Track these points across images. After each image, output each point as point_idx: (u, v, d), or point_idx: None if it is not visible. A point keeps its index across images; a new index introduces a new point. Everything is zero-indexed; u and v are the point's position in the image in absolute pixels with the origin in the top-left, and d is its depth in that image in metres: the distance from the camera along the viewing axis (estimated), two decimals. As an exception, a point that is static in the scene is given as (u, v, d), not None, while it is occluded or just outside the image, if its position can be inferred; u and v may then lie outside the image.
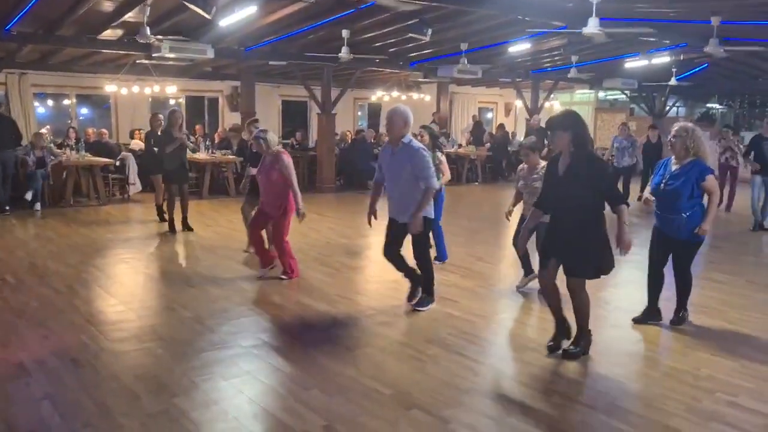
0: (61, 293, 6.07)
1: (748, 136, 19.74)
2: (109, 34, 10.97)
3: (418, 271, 5.79)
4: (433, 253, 6.84)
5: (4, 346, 4.69)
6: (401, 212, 5.51)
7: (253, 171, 7.36)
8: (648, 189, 5.53)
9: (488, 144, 17.57)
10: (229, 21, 9.19)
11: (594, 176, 4.36)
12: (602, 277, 4.59)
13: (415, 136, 6.08)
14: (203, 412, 3.73)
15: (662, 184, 5.24)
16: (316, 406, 3.83)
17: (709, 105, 22.73)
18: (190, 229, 9.18)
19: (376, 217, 5.83)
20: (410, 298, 5.83)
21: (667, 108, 20.07)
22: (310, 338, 5.03)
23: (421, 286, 5.81)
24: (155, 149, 9.39)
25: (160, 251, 8.12)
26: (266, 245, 6.92)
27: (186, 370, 4.33)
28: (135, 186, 12.52)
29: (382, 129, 18.47)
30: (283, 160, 6.47)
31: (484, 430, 3.60)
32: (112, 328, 5.16)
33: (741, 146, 11.93)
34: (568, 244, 4.45)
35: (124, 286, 6.58)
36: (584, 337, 4.68)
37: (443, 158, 7.32)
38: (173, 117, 9.09)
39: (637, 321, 5.53)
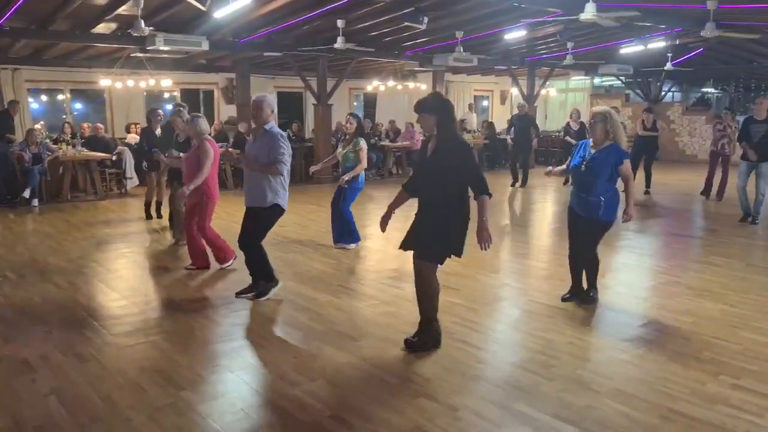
0: (63, 289, 6.06)
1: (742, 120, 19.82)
2: (102, 27, 10.91)
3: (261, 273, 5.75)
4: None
5: (8, 342, 4.69)
6: (253, 198, 5.54)
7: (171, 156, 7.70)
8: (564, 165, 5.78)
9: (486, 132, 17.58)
10: (223, 12, 9.12)
11: (457, 160, 4.26)
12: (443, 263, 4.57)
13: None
14: (210, 404, 3.74)
15: (582, 166, 5.38)
16: (323, 396, 3.84)
17: (704, 89, 22.72)
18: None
19: None
20: (241, 292, 5.81)
21: (663, 93, 20.07)
22: (314, 328, 5.03)
23: (254, 273, 5.75)
24: (153, 148, 9.21)
25: (160, 245, 8.11)
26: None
27: (192, 362, 4.33)
28: (132, 180, 12.51)
29: (378, 119, 18.48)
30: (205, 145, 6.51)
31: (491, 416, 3.61)
32: (116, 322, 5.15)
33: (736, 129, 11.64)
34: (420, 224, 4.41)
35: (126, 280, 6.57)
36: (427, 328, 4.58)
37: (364, 146, 7.58)
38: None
39: (564, 299, 5.70)
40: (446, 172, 4.25)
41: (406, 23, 10.14)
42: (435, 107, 4.33)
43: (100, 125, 13.23)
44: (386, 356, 4.47)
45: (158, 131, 9.43)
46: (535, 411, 3.67)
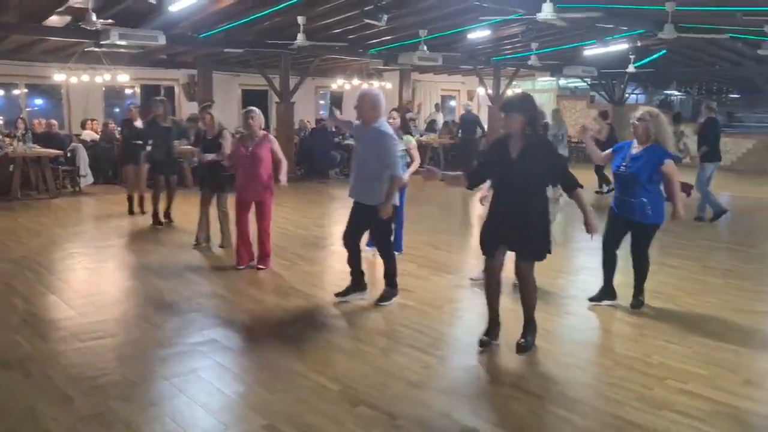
0: (-2, 291, 5.80)
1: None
2: (55, 20, 10.56)
3: (365, 272, 5.68)
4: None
5: (-69, 348, 4.44)
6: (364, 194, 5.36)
7: (208, 158, 7.20)
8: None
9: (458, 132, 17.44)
10: (179, 6, 8.90)
11: (549, 159, 4.37)
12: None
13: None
14: (139, 415, 3.55)
15: (622, 167, 5.26)
16: (259, 404, 3.69)
17: (667, 92, 23.00)
18: (170, 221, 9.00)
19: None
20: (342, 294, 5.63)
21: (627, 95, 20.25)
22: (259, 334, 4.87)
23: (384, 278, 5.61)
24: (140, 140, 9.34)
25: (111, 246, 7.82)
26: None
27: (126, 370, 4.14)
28: (86, 178, 12.12)
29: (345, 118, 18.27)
30: (272, 139, 6.66)
31: (432, 425, 3.50)
32: (51, 327, 4.93)
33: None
34: (523, 228, 4.31)
35: (69, 282, 6.32)
36: (533, 326, 4.59)
37: (414, 143, 7.12)
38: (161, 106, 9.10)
39: (593, 300, 5.60)
40: (539, 171, 4.28)
41: (366, 20, 9.97)
42: (526, 107, 4.27)
43: (53, 121, 12.79)
44: (330, 362, 4.33)
45: (139, 123, 9.76)
46: (477, 419, 3.57)
